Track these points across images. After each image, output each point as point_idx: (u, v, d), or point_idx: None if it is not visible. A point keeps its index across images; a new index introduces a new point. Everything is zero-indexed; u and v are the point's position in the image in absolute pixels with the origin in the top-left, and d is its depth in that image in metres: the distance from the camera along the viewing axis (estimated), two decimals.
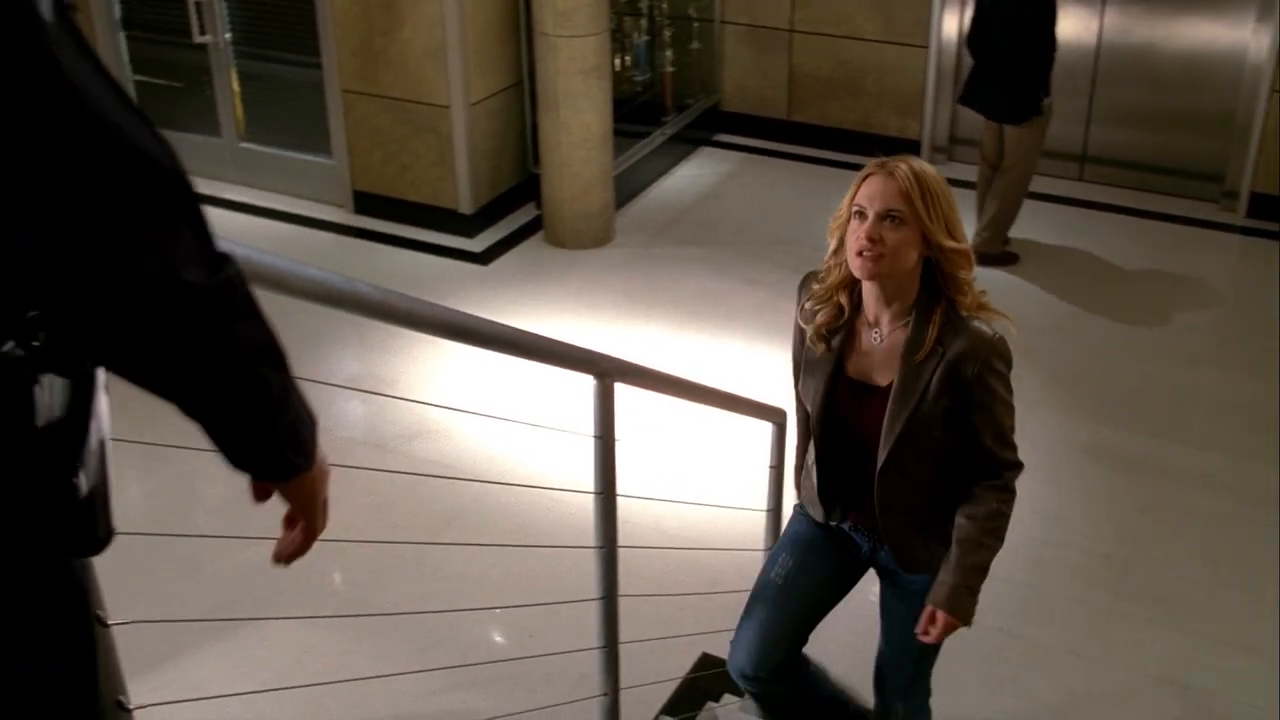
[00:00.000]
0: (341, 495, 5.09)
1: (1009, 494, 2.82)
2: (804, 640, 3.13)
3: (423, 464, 5.03)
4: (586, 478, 2.86)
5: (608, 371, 2.77)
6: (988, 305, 2.82)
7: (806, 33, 8.25)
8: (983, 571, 2.81)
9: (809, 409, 2.97)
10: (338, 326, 5.93)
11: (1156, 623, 4.32)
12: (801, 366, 2.98)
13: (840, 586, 3.15)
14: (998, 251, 6.79)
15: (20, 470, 1.32)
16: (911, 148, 8.01)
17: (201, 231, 1.27)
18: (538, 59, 6.83)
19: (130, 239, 1.18)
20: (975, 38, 6.55)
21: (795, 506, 3.20)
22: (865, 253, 2.68)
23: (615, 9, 7.46)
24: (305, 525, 1.63)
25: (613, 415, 2.80)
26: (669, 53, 8.26)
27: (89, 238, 1.16)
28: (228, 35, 7.60)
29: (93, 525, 1.43)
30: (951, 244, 2.73)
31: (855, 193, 2.74)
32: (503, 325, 2.57)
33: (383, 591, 4.40)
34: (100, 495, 1.44)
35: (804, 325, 2.92)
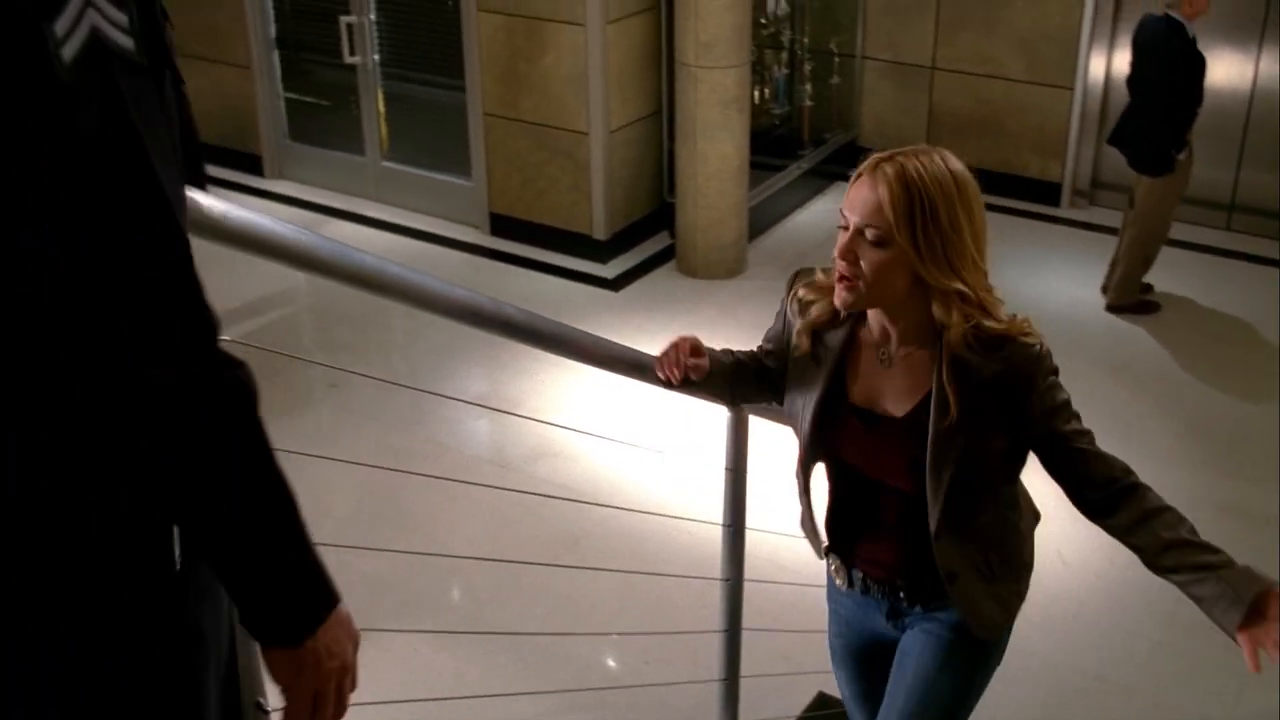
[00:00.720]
0: (465, 513, 5.18)
1: (1151, 491, 2.28)
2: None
3: (546, 485, 5.06)
4: (711, 507, 2.85)
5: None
6: (1022, 327, 2.26)
7: (948, 70, 8.16)
8: (1225, 559, 2.20)
9: (796, 432, 2.47)
10: (467, 345, 6.01)
11: None
12: (789, 375, 2.47)
13: (888, 655, 2.61)
14: (1133, 301, 6.63)
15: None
16: (1053, 190, 7.88)
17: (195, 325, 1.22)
18: (678, 89, 6.86)
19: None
20: (1129, 78, 6.43)
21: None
22: (842, 277, 2.22)
23: (756, 42, 7.47)
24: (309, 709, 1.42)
25: (746, 448, 2.79)
26: (808, 86, 8.24)
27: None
28: (376, 57, 7.77)
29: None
30: (949, 283, 2.17)
31: (846, 196, 2.26)
32: (643, 353, 2.57)
33: (501, 610, 4.42)
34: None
35: (792, 318, 2.43)
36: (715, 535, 2.94)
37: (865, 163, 2.20)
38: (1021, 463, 2.37)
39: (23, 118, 1.06)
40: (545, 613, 4.41)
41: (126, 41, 1.11)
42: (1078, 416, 2.29)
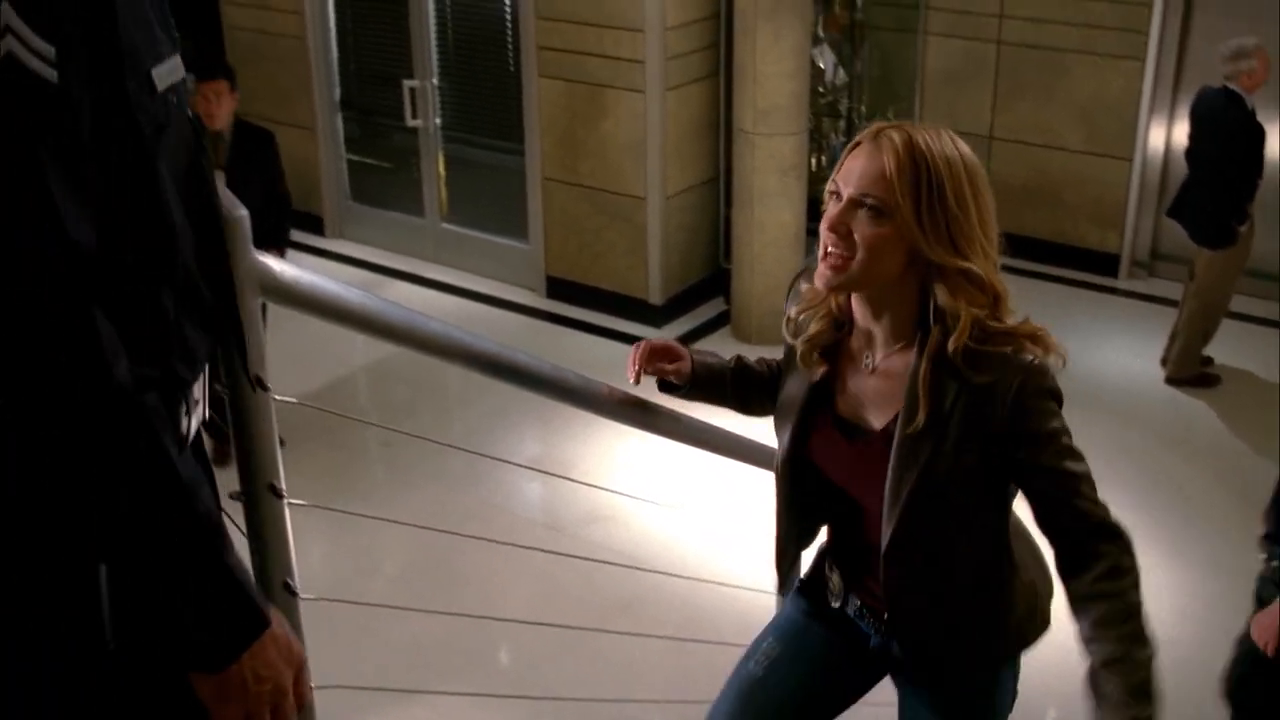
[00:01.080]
0: (516, 575, 5.16)
1: (1125, 574, 1.98)
2: None
3: (599, 548, 5.05)
4: (765, 572, 2.84)
5: None
6: (1033, 331, 2.03)
7: (1006, 140, 8.16)
8: (1147, 695, 1.91)
9: (779, 454, 2.27)
10: (521, 406, 6.03)
11: None
12: (782, 386, 2.28)
13: (841, 687, 2.42)
14: (1193, 374, 6.55)
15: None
16: (1111, 262, 7.83)
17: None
18: (735, 156, 6.91)
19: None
20: (1188, 150, 6.41)
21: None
22: (828, 252, 2.00)
23: (814, 109, 7.51)
24: None
25: None
26: None
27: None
28: (438, 120, 7.89)
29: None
30: (955, 261, 1.97)
31: (840, 166, 2.06)
32: (698, 420, 2.58)
33: (551, 674, 4.41)
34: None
35: (791, 340, 2.23)
36: (769, 601, 2.92)
37: (865, 131, 2.02)
38: (1001, 495, 2.11)
39: None
40: (596, 677, 4.39)
41: (47, 71, 1.15)
42: (1072, 454, 2.01)
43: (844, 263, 1.97)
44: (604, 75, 6.95)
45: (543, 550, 4.51)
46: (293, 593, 1.71)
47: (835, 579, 2.35)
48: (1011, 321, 2.02)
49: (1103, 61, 7.66)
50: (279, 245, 5.80)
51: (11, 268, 1.14)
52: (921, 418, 1.98)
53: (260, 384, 1.57)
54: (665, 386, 2.44)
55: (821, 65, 7.68)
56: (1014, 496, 2.13)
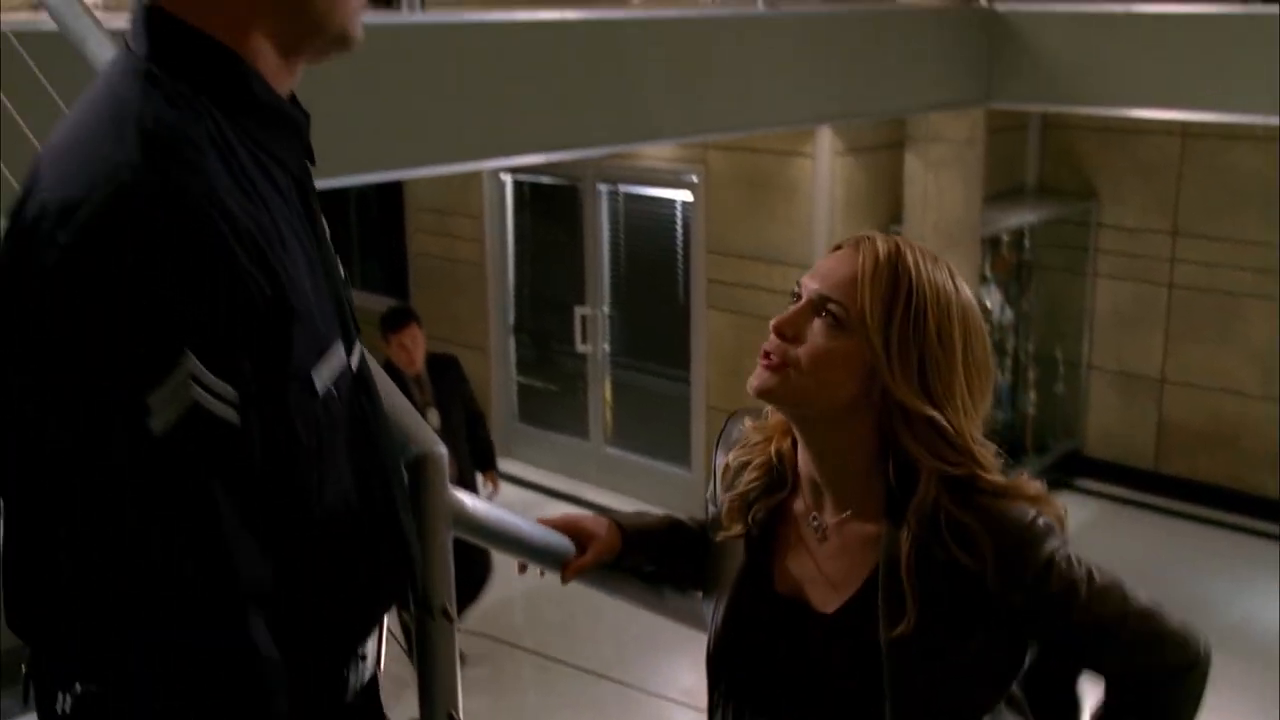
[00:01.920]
0: None
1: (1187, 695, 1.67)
2: None
3: None
4: None
5: None
6: (1033, 492, 1.62)
7: (1178, 383, 8.03)
8: None
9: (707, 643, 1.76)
10: (675, 636, 5.97)
11: None
12: (710, 559, 1.81)
13: None
14: None
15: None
16: None
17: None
18: None
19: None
20: None
21: None
22: (766, 353, 1.61)
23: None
24: None
25: None
26: (1032, 394, 8.20)
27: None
28: (606, 346, 8.11)
29: None
30: (922, 405, 1.56)
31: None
32: None
33: None
34: None
35: (720, 494, 1.79)
36: None
37: (850, 238, 1.66)
38: (1015, 672, 1.65)
39: (107, 476, 1.13)
40: None
41: (229, 414, 1.15)
42: (1120, 592, 1.62)
43: (781, 366, 1.59)
44: (770, 309, 7.03)
45: None
46: None
47: None
48: (1001, 480, 1.60)
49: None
50: (488, 466, 5.96)
51: (181, 607, 1.15)
52: (913, 617, 1.56)
53: (445, 615, 1.61)
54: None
55: (988, 304, 7.71)
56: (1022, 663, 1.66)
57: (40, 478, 1.16)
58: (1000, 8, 6.43)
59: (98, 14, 2.17)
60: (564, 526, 1.81)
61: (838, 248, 1.66)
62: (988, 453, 1.60)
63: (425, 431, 1.60)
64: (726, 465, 1.78)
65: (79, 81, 1.74)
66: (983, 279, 7.47)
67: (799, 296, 1.63)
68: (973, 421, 1.60)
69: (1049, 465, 8.15)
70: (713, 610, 1.74)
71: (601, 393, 8.20)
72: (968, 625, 1.57)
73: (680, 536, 1.94)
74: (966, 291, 1.63)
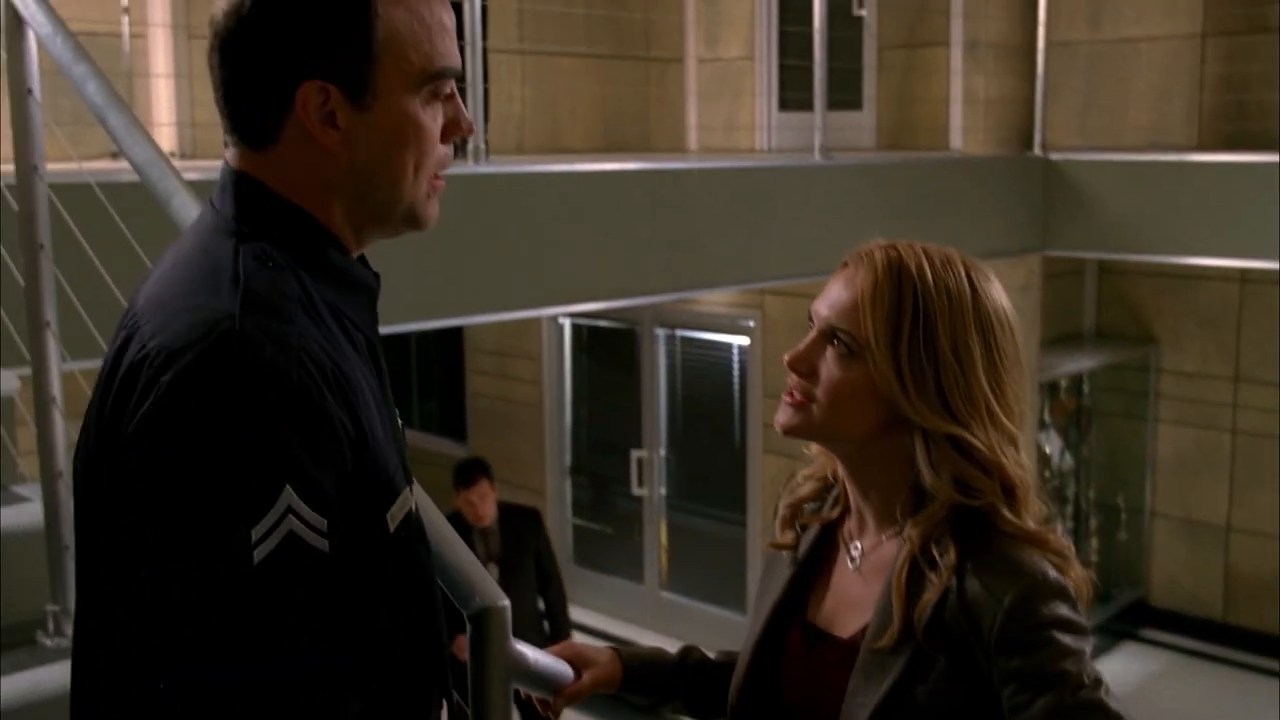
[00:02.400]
0: None
1: None
2: None
3: None
4: None
5: None
6: (1057, 544, 1.57)
7: (1245, 531, 7.89)
8: None
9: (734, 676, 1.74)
10: None
11: None
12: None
13: None
14: None
15: None
16: None
17: None
18: None
19: None
20: None
21: None
22: (788, 390, 1.59)
23: (1041, 495, 7.44)
24: None
25: None
26: (1094, 541, 8.08)
27: None
28: (662, 490, 8.11)
29: None
30: (942, 424, 1.51)
31: None
32: None
33: None
34: None
35: (778, 537, 1.76)
36: None
37: (851, 252, 1.62)
38: None
39: (208, 604, 1.16)
40: None
41: (321, 543, 1.19)
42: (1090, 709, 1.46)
43: (804, 403, 1.56)
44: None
45: None
46: None
47: None
48: (1032, 524, 1.55)
49: None
50: (557, 635, 5.70)
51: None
52: (896, 628, 1.50)
53: None
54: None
55: (1048, 450, 7.66)
56: None
57: (135, 603, 1.19)
58: (1055, 156, 6.50)
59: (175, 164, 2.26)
60: (564, 653, 1.80)
61: (842, 264, 1.62)
62: (1021, 471, 1.56)
63: (489, 585, 1.61)
64: (790, 475, 1.79)
65: (161, 233, 1.81)
66: (1042, 424, 7.43)
67: (814, 323, 1.59)
68: (1004, 433, 1.56)
69: (1113, 615, 7.99)
70: (746, 633, 1.73)
71: (657, 536, 8.17)
72: (957, 665, 1.49)
73: (691, 670, 1.93)
74: (985, 286, 1.57)
